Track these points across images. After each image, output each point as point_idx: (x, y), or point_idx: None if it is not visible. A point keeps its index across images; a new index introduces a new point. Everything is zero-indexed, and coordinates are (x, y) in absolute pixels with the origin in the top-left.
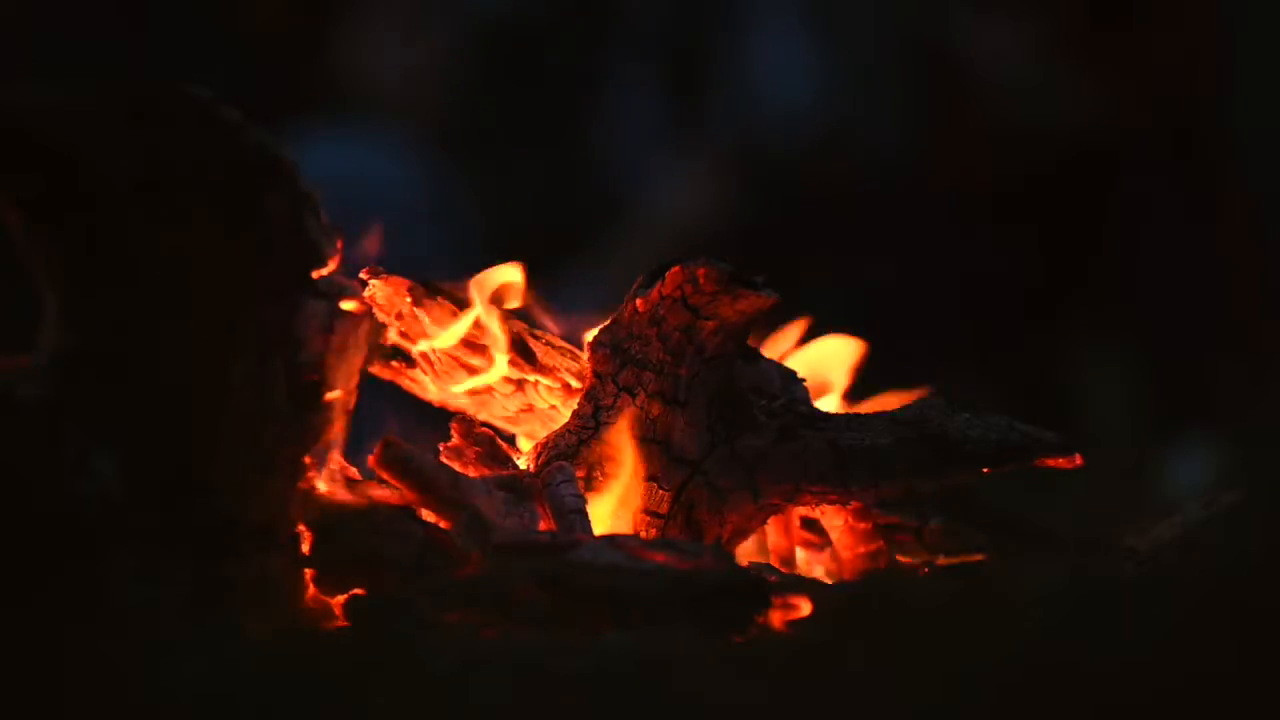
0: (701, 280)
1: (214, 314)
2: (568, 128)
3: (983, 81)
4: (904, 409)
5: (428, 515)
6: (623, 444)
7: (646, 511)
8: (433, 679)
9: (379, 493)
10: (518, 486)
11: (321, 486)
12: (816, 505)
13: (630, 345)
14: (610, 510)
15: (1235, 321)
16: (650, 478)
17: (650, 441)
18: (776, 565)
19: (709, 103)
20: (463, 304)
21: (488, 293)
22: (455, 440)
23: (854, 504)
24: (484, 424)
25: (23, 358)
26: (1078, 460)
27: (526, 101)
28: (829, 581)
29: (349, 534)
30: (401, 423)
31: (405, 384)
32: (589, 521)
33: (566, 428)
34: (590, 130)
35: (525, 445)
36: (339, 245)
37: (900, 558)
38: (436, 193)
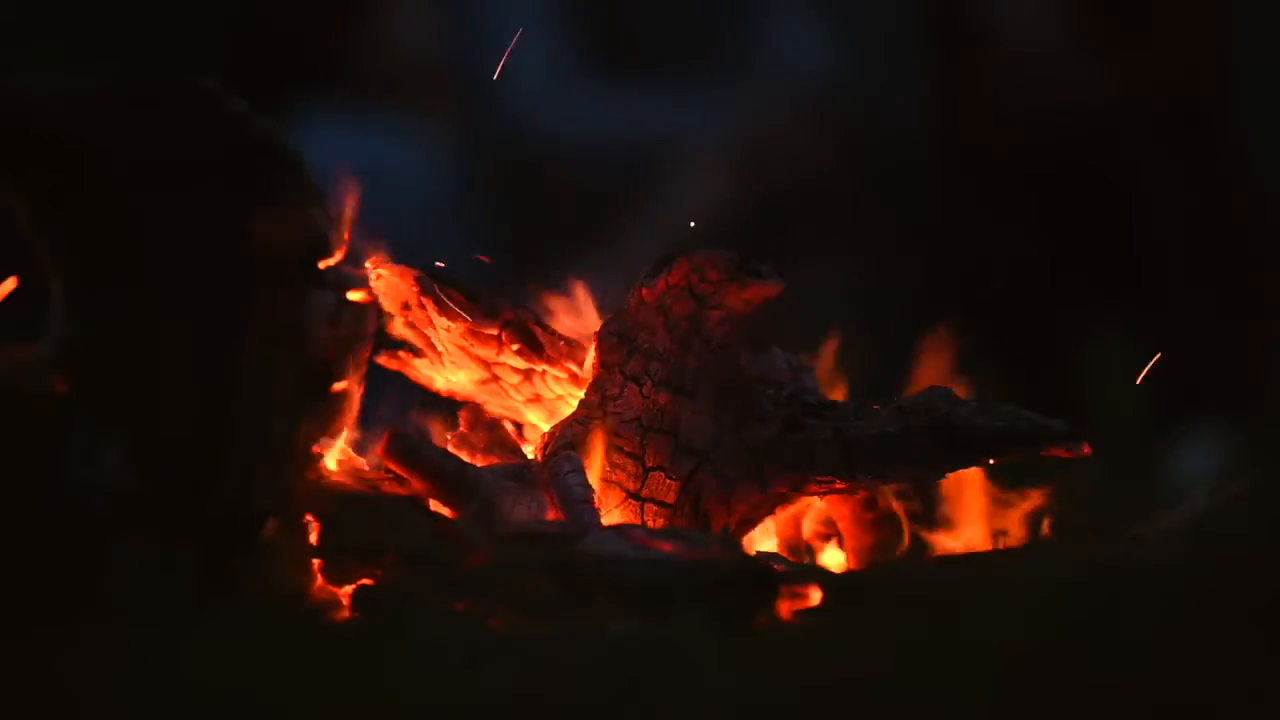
0: (708, 269)
1: (220, 304)
2: (569, 119)
3: (985, 75)
4: (911, 397)
5: (435, 505)
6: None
7: (654, 501)
8: (440, 668)
9: (386, 483)
10: (525, 476)
11: (329, 477)
12: (824, 495)
13: (637, 335)
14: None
15: (1245, 309)
16: (657, 467)
17: (657, 431)
18: (785, 554)
19: (719, 85)
20: (470, 295)
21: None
22: (463, 429)
23: (861, 493)
24: (492, 414)
25: (30, 348)
26: (1085, 449)
27: (527, 96)
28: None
29: (356, 524)
30: (409, 413)
31: (412, 374)
32: (597, 511)
33: (574, 418)
34: (590, 120)
35: (532, 435)
36: (345, 235)
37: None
38: (443, 182)
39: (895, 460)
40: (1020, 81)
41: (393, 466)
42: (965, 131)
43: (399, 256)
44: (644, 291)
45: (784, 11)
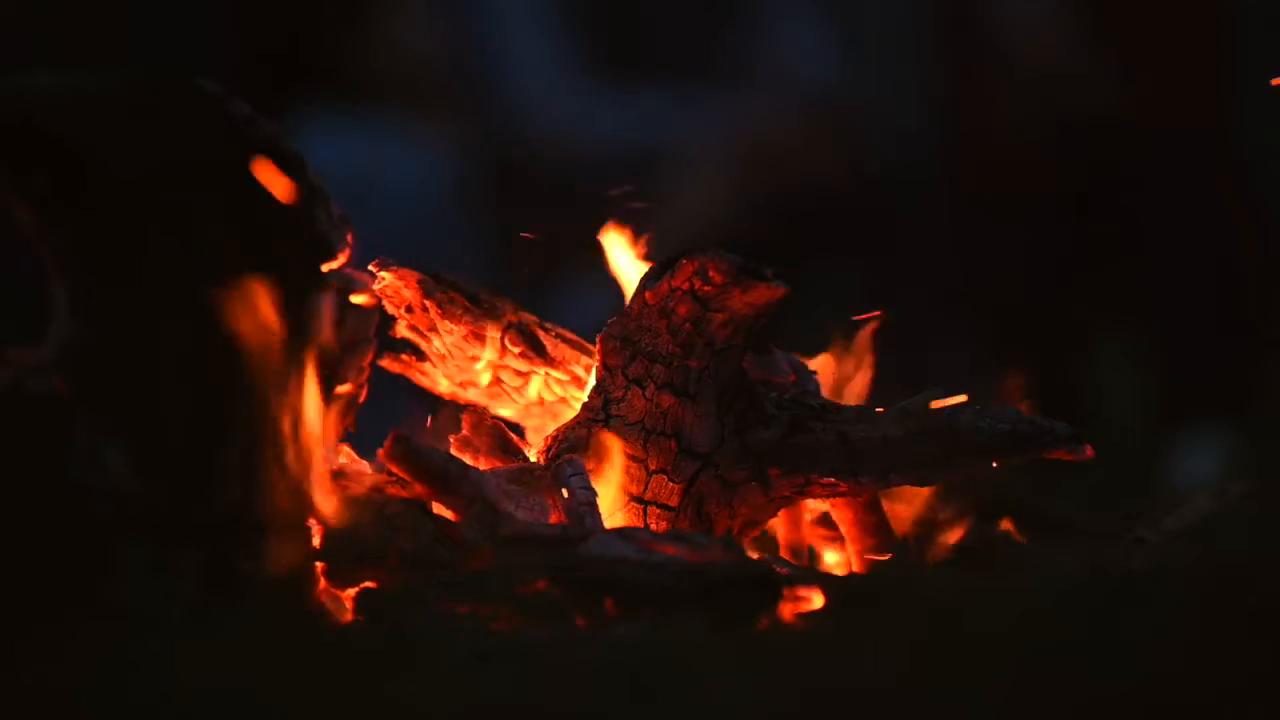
0: (711, 272)
1: (223, 307)
2: (573, 119)
3: (987, 82)
4: (914, 401)
5: (438, 508)
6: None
7: (657, 504)
8: (443, 671)
9: (389, 486)
10: (528, 479)
11: (332, 480)
12: (827, 497)
13: (640, 337)
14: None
15: (1246, 312)
16: (660, 470)
17: (660, 434)
18: (787, 557)
19: (719, 89)
20: (473, 298)
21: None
22: (466, 432)
23: (864, 496)
24: (494, 417)
25: (33, 350)
26: (1088, 452)
27: (529, 100)
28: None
29: (360, 527)
30: (412, 416)
31: (415, 377)
32: (599, 514)
33: (576, 420)
34: (593, 125)
35: (535, 438)
36: (349, 238)
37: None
38: (446, 185)
39: (898, 463)
40: (1022, 88)
41: (395, 469)
42: (967, 138)
43: (401, 259)
44: (647, 294)
45: (788, 17)
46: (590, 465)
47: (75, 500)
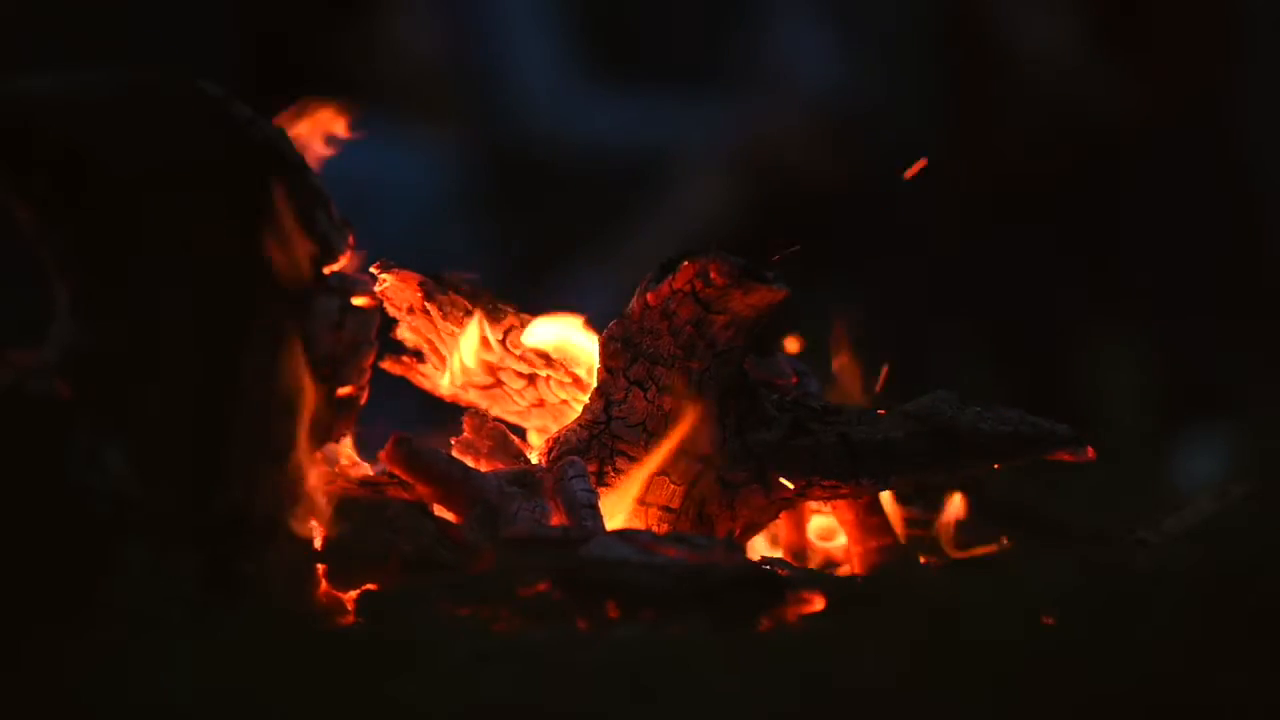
0: (713, 274)
1: (224, 309)
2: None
3: (988, 81)
4: (916, 402)
5: (439, 510)
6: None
7: (658, 506)
8: (443, 672)
9: (391, 488)
10: (529, 481)
11: (333, 481)
12: (828, 499)
13: (641, 340)
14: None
15: (1246, 311)
16: (661, 472)
17: (662, 437)
18: (788, 559)
19: (720, 90)
20: (474, 299)
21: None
22: (467, 434)
23: (865, 498)
24: (496, 419)
25: (34, 352)
26: (1089, 453)
27: (531, 102)
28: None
29: (361, 529)
30: (413, 418)
31: (417, 379)
32: (600, 516)
33: (578, 422)
34: (596, 126)
35: (536, 440)
36: (350, 241)
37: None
38: (447, 187)
39: (899, 465)
40: (1023, 89)
41: (397, 471)
42: (968, 137)
43: (402, 261)
44: (649, 296)
45: (789, 19)
46: (592, 468)
47: (75, 501)
